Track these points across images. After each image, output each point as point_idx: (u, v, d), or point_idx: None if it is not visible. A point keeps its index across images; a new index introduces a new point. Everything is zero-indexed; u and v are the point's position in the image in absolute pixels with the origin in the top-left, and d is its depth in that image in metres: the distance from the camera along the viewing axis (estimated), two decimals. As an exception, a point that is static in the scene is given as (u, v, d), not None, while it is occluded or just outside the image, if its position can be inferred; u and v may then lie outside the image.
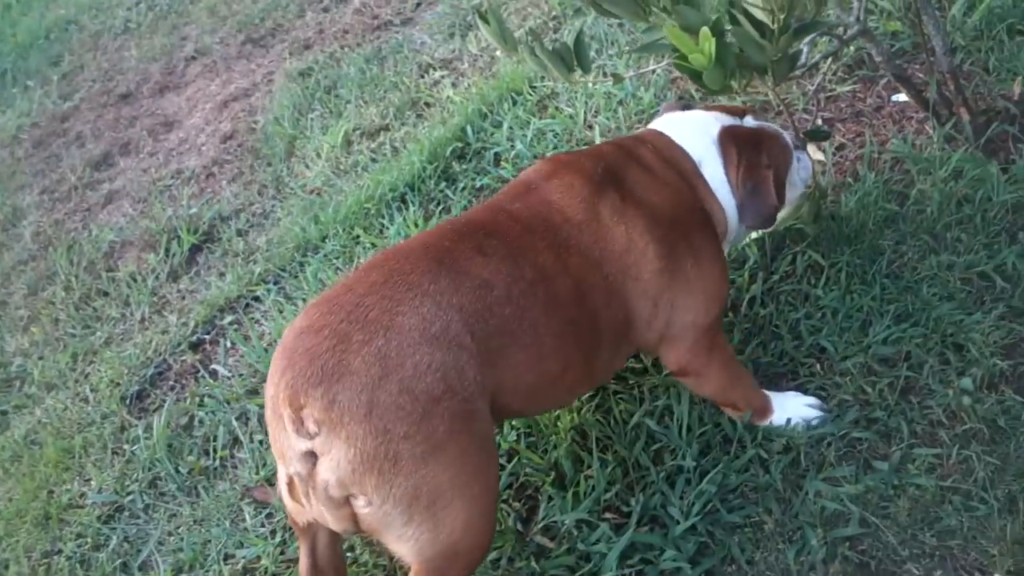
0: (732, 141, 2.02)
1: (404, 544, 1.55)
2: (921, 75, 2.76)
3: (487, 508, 1.62)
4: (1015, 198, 2.30)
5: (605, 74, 3.21)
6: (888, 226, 2.37)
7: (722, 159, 2.01)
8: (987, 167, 2.37)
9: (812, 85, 2.88)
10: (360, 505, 1.51)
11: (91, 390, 2.95)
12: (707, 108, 2.18)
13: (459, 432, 1.53)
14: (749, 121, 2.14)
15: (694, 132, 2.04)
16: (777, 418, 2.05)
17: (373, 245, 3.05)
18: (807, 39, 2.15)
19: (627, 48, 3.38)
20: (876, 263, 2.29)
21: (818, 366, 2.16)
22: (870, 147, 2.58)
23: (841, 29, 2.38)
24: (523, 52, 2.12)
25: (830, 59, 2.60)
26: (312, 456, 1.48)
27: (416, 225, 3.01)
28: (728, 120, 2.08)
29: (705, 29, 1.41)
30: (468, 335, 1.58)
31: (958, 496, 1.84)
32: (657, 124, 2.13)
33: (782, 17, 1.36)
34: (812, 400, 2.08)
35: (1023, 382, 2.00)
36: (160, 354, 2.99)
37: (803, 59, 2.24)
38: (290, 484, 1.57)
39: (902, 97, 2.74)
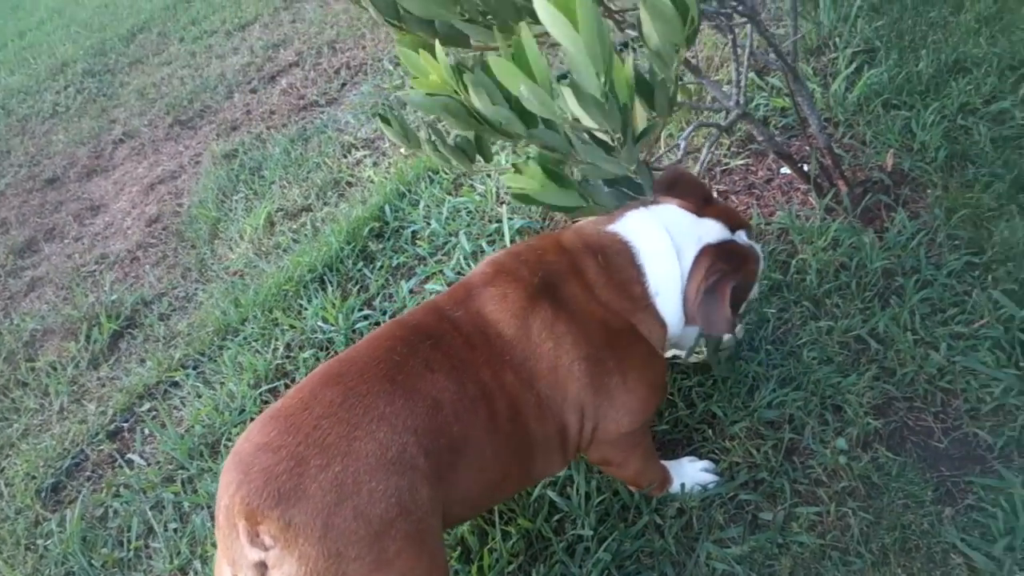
0: (708, 261, 1.88)
1: None
2: (808, 148, 2.94)
3: None
4: (887, 264, 2.46)
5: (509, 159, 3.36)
6: (773, 294, 2.52)
7: (683, 282, 1.90)
8: (862, 235, 2.54)
9: (704, 162, 3.04)
10: None
11: (6, 484, 2.93)
12: (713, 208, 1.99)
13: (410, 549, 1.57)
14: (742, 237, 2.00)
15: (666, 256, 1.89)
16: (674, 486, 2.15)
17: (292, 327, 3.12)
18: (685, 134, 2.30)
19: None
20: (762, 329, 2.42)
21: (710, 431, 2.27)
22: (757, 219, 2.74)
23: (723, 113, 2.55)
24: (426, 148, 2.19)
25: (717, 138, 2.75)
26: (263, 566, 1.52)
27: (333, 306, 3.09)
28: (719, 235, 1.94)
29: (533, 165, 1.55)
30: (422, 456, 1.62)
31: (836, 551, 1.94)
32: (636, 224, 1.94)
33: (619, 137, 1.48)
34: (706, 464, 2.18)
35: (894, 439, 2.12)
36: (77, 444, 2.99)
37: (682, 144, 2.39)
38: None
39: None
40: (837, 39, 3.35)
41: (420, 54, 1.46)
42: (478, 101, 1.43)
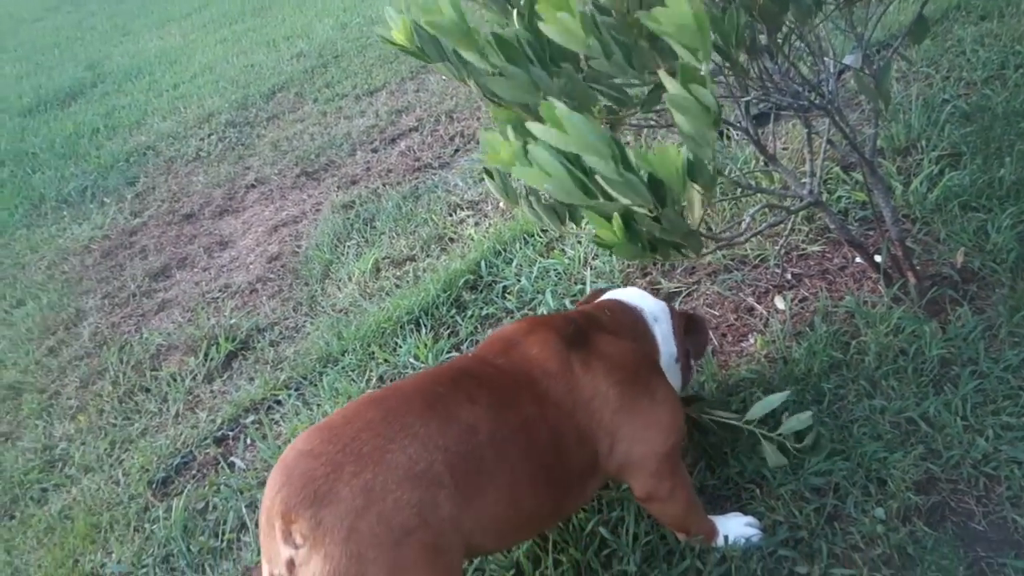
0: (680, 312, 2.51)
1: None
2: (882, 240, 3.10)
3: None
4: (945, 353, 2.58)
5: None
6: (832, 371, 2.66)
7: (671, 320, 2.44)
8: (925, 325, 2.67)
9: (779, 246, 3.23)
10: None
11: (123, 474, 3.29)
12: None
13: (425, 560, 1.71)
14: None
15: (645, 298, 2.47)
16: (719, 540, 2.30)
17: (386, 361, 3.41)
18: (751, 211, 2.51)
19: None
20: (819, 404, 2.57)
21: (757, 491, 2.42)
22: (824, 301, 2.90)
23: (797, 200, 2.74)
24: (523, 204, 2.46)
25: (783, 219, 2.94)
26: (293, 564, 1.67)
27: (425, 346, 3.37)
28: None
29: (616, 216, 1.80)
30: (448, 474, 1.78)
31: (865, 613, 2.06)
32: (625, 295, 2.49)
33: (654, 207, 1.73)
34: (750, 519, 2.32)
35: (934, 516, 2.23)
36: (187, 446, 3.34)
37: (744, 227, 2.60)
38: None
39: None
40: (924, 142, 3.51)
41: (489, 135, 1.74)
42: (533, 180, 1.68)
